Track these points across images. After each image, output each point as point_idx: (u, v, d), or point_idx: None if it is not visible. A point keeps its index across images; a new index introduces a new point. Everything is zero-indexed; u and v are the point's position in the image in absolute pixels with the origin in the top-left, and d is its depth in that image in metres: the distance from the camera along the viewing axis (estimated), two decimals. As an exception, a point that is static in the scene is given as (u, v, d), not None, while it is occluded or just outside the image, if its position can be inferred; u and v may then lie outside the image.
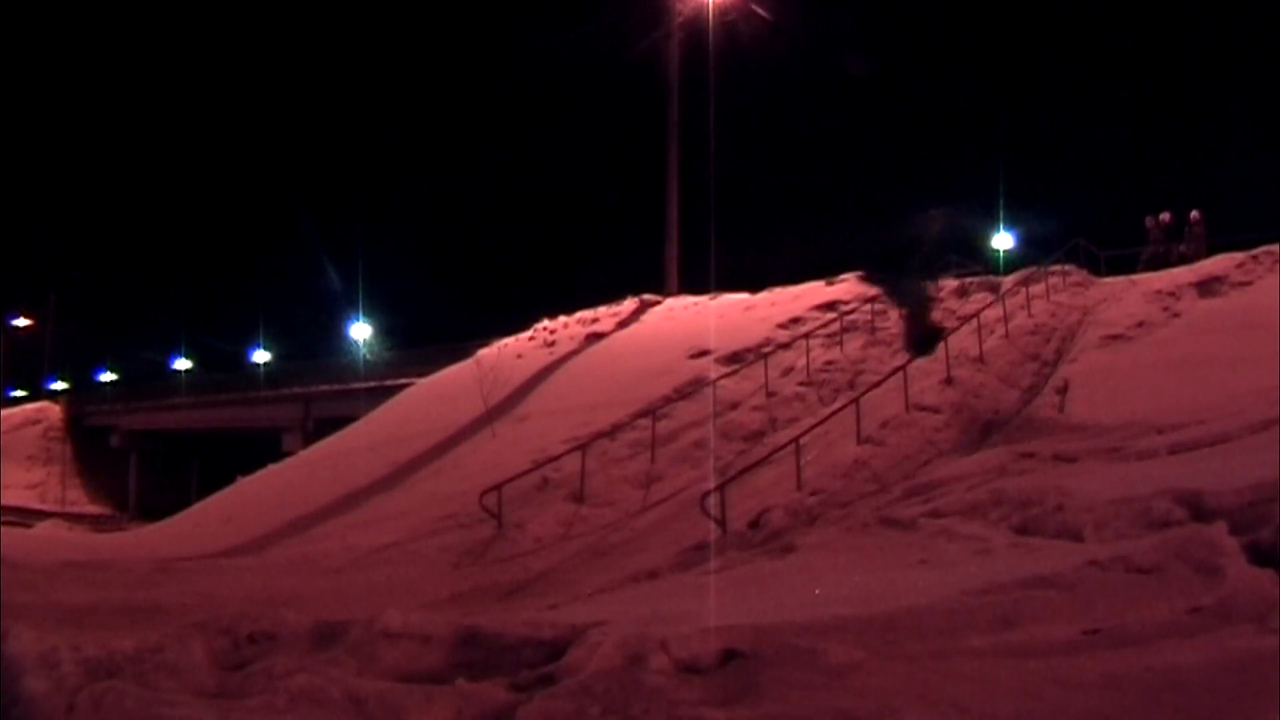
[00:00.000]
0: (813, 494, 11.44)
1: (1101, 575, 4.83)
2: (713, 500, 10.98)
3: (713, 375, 16.81)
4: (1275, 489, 5.72)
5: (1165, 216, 21.03)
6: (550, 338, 23.75)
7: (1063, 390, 13.51)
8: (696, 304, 23.89)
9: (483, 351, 23.97)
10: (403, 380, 28.04)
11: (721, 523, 10.76)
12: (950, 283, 20.34)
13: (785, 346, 17.94)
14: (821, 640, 4.17)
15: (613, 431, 15.36)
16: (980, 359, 14.99)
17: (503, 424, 17.77)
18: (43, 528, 32.08)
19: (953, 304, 19.08)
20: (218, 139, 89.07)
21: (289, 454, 27.88)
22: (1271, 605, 4.35)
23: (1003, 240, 33.93)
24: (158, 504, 34.86)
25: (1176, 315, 15.66)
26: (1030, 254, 25.85)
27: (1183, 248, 20.33)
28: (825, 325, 18.62)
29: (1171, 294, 16.52)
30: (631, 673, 3.90)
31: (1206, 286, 16.51)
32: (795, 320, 19.65)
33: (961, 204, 19.57)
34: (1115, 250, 21.87)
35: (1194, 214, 20.66)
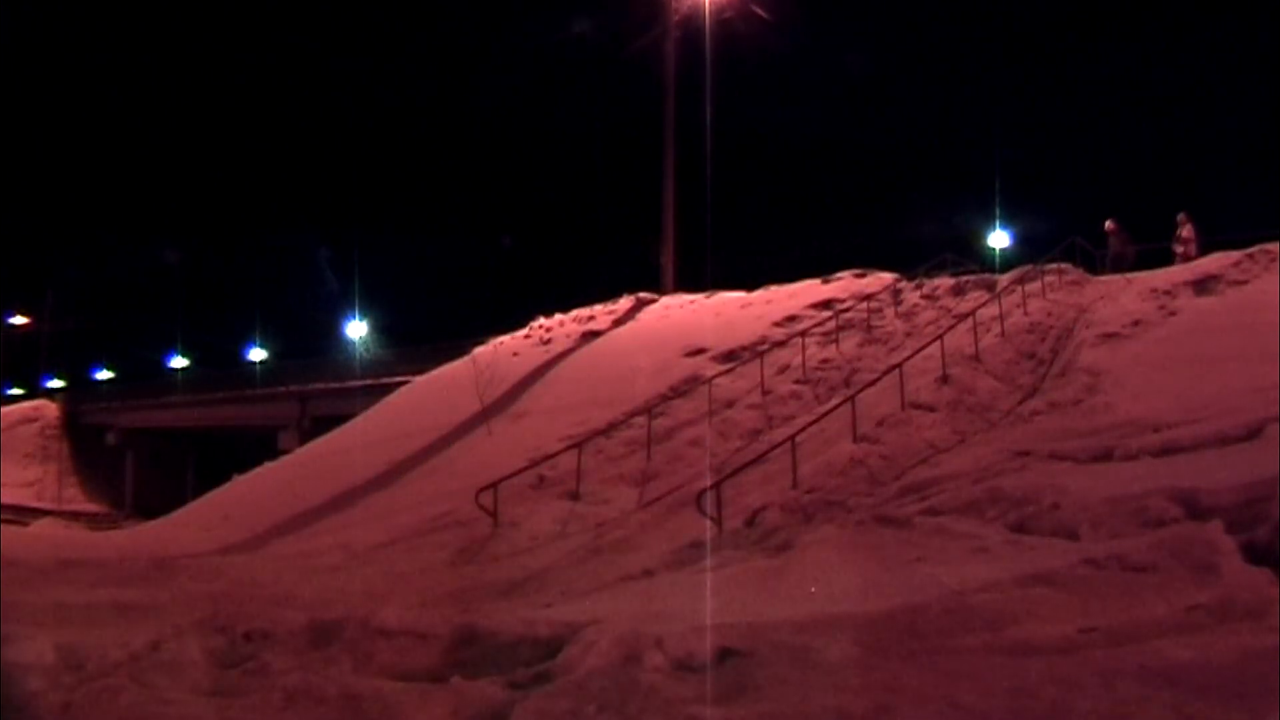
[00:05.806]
0: (808, 492, 11.42)
1: (1097, 573, 4.84)
2: (708, 498, 10.96)
3: (709, 373, 16.80)
4: (1271, 488, 5.73)
5: (1110, 225, 21.31)
6: (546, 336, 23.74)
7: (1059, 388, 13.52)
8: (693, 302, 23.88)
9: (479, 350, 23.96)
10: (399, 378, 27.99)
11: (717, 521, 10.75)
12: (946, 281, 20.37)
13: (781, 345, 17.96)
14: (817, 638, 4.18)
15: (609, 429, 15.34)
16: (976, 357, 14.99)
17: (499, 422, 17.76)
18: (39, 526, 32.04)
19: (948, 302, 19.10)
20: (214, 137, 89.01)
21: (285, 452, 27.81)
22: (1268, 603, 4.36)
23: (999, 238, 34.02)
24: (154, 502, 34.80)
25: (1173, 314, 15.65)
26: (1026, 252, 25.90)
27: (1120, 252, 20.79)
28: (821, 324, 18.64)
29: (1168, 292, 16.51)
30: (627, 671, 3.91)
31: (1203, 285, 16.51)
32: (791, 318, 19.67)
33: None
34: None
35: (1108, 224, 21.10)
